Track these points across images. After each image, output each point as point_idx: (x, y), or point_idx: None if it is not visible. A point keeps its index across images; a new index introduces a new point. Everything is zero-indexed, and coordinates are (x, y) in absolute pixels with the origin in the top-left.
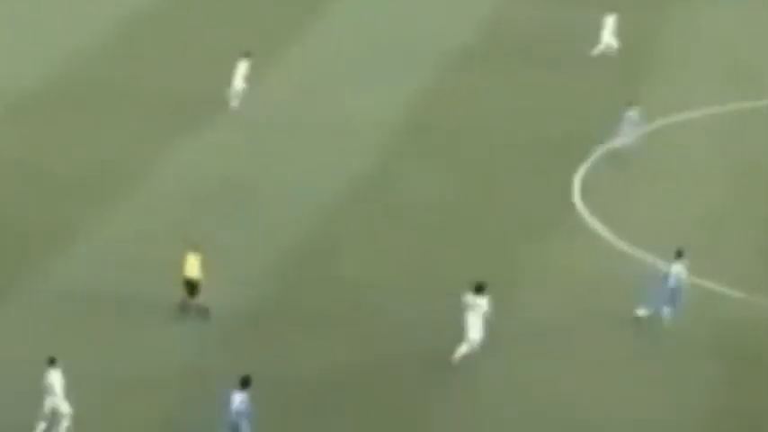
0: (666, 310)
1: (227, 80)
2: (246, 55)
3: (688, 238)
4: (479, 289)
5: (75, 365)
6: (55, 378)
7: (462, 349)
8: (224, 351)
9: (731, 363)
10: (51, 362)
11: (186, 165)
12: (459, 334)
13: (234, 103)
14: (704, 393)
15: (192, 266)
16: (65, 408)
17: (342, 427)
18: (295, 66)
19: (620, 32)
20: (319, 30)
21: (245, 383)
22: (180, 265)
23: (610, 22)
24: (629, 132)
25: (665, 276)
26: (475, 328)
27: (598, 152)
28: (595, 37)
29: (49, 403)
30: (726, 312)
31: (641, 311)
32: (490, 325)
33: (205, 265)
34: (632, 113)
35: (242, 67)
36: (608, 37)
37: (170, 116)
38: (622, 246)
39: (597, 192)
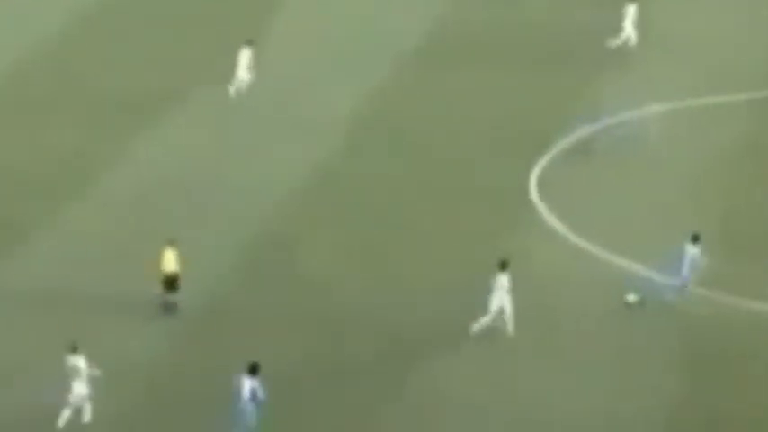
0: (673, 290)
1: (186, 76)
2: (249, 43)
3: (645, 234)
4: (503, 266)
5: (34, 363)
6: (79, 362)
7: (483, 320)
8: (187, 348)
9: (691, 359)
10: (74, 349)
11: (146, 161)
12: (418, 331)
13: (233, 91)
14: (665, 391)
15: (170, 261)
16: (81, 390)
17: (306, 425)
18: (255, 63)
19: (584, 29)
20: (280, 25)
21: (253, 370)
22: (157, 261)
23: (631, 11)
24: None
25: (680, 259)
26: (498, 302)
27: (556, 149)
28: (552, 36)
29: (77, 389)
30: (686, 308)
31: (631, 297)
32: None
33: (182, 260)
34: (655, 107)
35: (245, 56)
36: (629, 28)
37: (128, 112)
38: (578, 242)
39: (554, 188)
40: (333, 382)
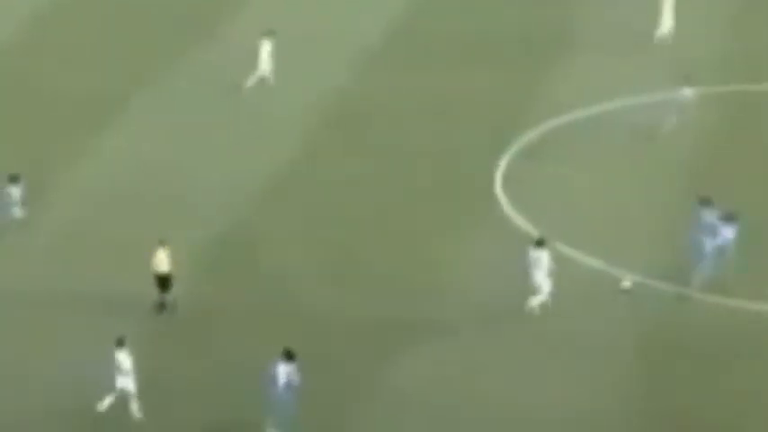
0: (704, 265)
1: (135, 77)
2: (269, 34)
3: (606, 230)
4: (540, 243)
5: (7, 365)
6: (122, 358)
7: (535, 300)
8: (169, 347)
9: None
10: (120, 342)
11: (112, 160)
12: (387, 329)
13: (250, 83)
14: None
15: (162, 261)
16: (123, 385)
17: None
18: (216, 60)
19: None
20: (238, 24)
21: (290, 356)
22: (149, 260)
23: (668, 4)
24: (677, 109)
25: (711, 234)
26: (540, 279)
27: (520, 145)
28: (518, 34)
29: (120, 382)
30: (649, 304)
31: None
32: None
33: (174, 259)
34: (687, 91)
35: (266, 46)
36: (668, 20)
37: (88, 111)
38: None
39: (519, 184)
40: (309, 380)
